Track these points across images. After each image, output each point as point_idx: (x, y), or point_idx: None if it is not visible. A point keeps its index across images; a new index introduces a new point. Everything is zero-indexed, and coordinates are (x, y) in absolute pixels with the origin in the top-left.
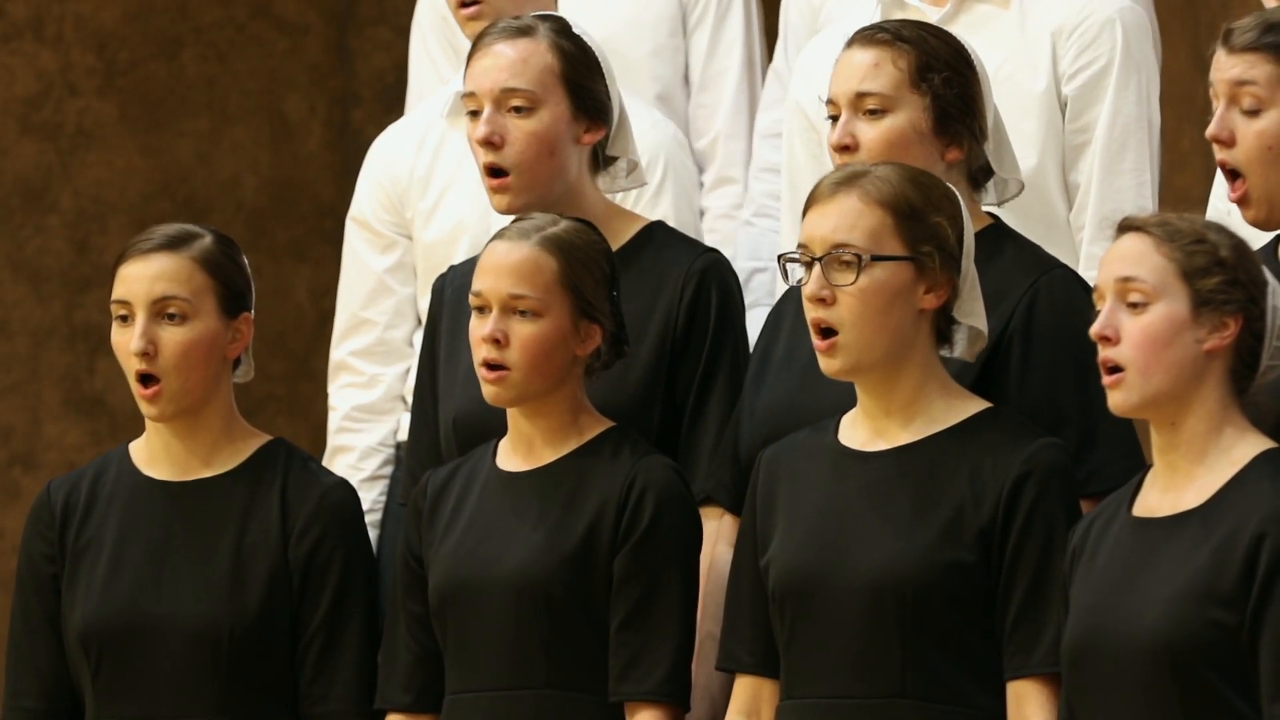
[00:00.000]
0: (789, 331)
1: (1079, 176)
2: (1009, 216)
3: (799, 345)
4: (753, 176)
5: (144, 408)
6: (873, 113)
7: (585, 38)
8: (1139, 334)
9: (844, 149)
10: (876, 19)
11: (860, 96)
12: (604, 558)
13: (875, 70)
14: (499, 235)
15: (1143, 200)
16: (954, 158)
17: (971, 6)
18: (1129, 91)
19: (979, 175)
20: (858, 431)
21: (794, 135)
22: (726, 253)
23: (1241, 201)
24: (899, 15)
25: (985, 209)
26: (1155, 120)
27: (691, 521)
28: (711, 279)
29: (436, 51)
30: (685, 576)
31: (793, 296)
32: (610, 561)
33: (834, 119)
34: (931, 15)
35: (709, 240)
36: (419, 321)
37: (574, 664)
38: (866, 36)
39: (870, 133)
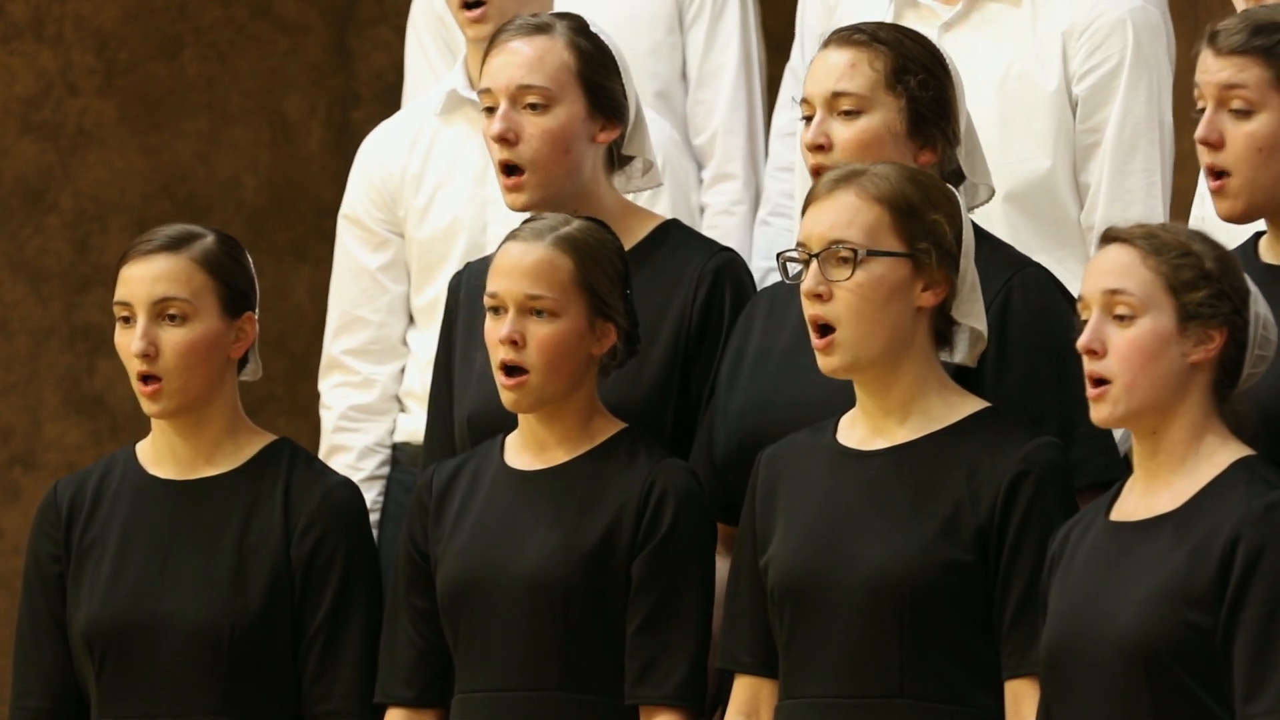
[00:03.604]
0: (761, 330)
1: (1089, 177)
2: (1021, 216)
3: (772, 344)
4: (769, 175)
5: (145, 405)
6: (848, 113)
7: (603, 36)
8: (1126, 347)
9: (818, 149)
10: (889, 18)
11: (835, 96)
12: (622, 560)
13: (851, 70)
14: (512, 236)
15: (1152, 201)
16: (926, 160)
17: (984, 5)
18: (1139, 92)
19: (950, 179)
20: (856, 431)
21: None
22: None
23: (1219, 192)
24: (911, 13)
25: None
26: (1167, 121)
27: (708, 525)
28: (725, 278)
29: (432, 50)
30: (703, 580)
31: (765, 296)
32: (628, 564)
33: (808, 119)
34: (943, 14)
35: (759, 242)
36: (411, 320)
37: (586, 666)
38: (843, 37)
39: (845, 133)
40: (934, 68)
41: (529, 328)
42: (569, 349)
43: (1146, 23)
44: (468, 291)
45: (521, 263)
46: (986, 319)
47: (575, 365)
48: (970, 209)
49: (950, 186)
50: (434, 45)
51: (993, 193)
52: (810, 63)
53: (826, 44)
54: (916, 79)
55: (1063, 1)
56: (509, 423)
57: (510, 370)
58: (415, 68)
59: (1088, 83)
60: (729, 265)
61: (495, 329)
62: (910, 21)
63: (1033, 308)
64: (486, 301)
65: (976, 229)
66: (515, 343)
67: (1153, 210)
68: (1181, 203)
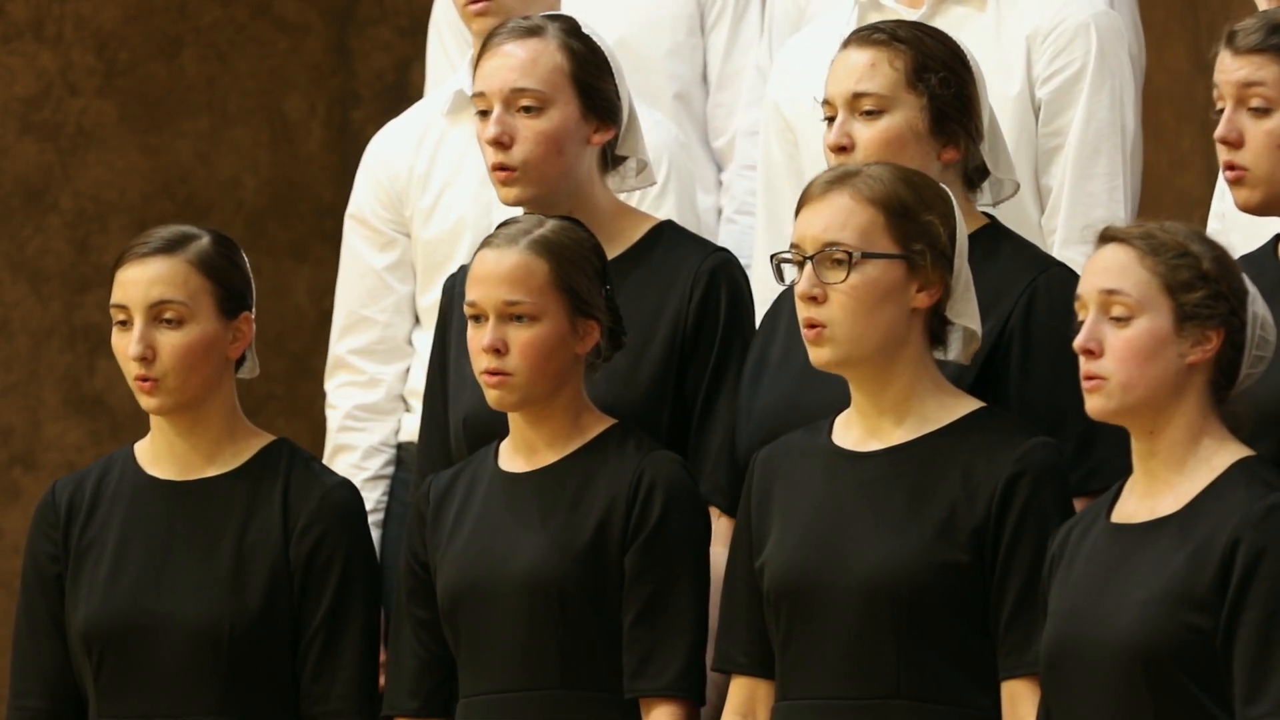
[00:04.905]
0: (785, 332)
1: (1051, 181)
2: None
3: (795, 346)
4: (735, 174)
5: (142, 401)
6: (869, 113)
7: (595, 38)
8: (1123, 348)
9: (840, 149)
10: (852, 21)
11: (857, 97)
12: (615, 555)
13: (872, 70)
14: (486, 243)
15: (1114, 206)
16: (950, 158)
17: (948, 8)
18: (1102, 97)
19: (975, 175)
20: (851, 431)
21: (770, 135)
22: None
23: (1237, 182)
24: (875, 16)
25: (981, 209)
26: (1129, 125)
27: (700, 516)
28: (721, 278)
29: (453, 49)
30: (696, 571)
31: (789, 297)
32: (621, 558)
33: (830, 120)
34: (908, 17)
35: (725, 239)
36: (417, 320)
37: (587, 662)
38: (863, 37)
39: (867, 133)
40: (955, 65)
41: (509, 333)
42: (551, 350)
43: (1110, 27)
44: (462, 293)
45: (497, 269)
46: (1010, 318)
47: (559, 366)
48: (995, 203)
49: (944, 186)
50: (455, 44)
51: (1018, 187)
52: (831, 64)
53: (846, 44)
54: (937, 76)
55: (1027, 5)
56: (504, 424)
57: (494, 374)
58: (436, 66)
59: (1051, 86)
60: (724, 265)
61: (477, 337)
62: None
63: (1057, 308)
64: (466, 310)
65: (1001, 229)
66: (498, 350)
67: (1114, 214)
68: (1182, 202)
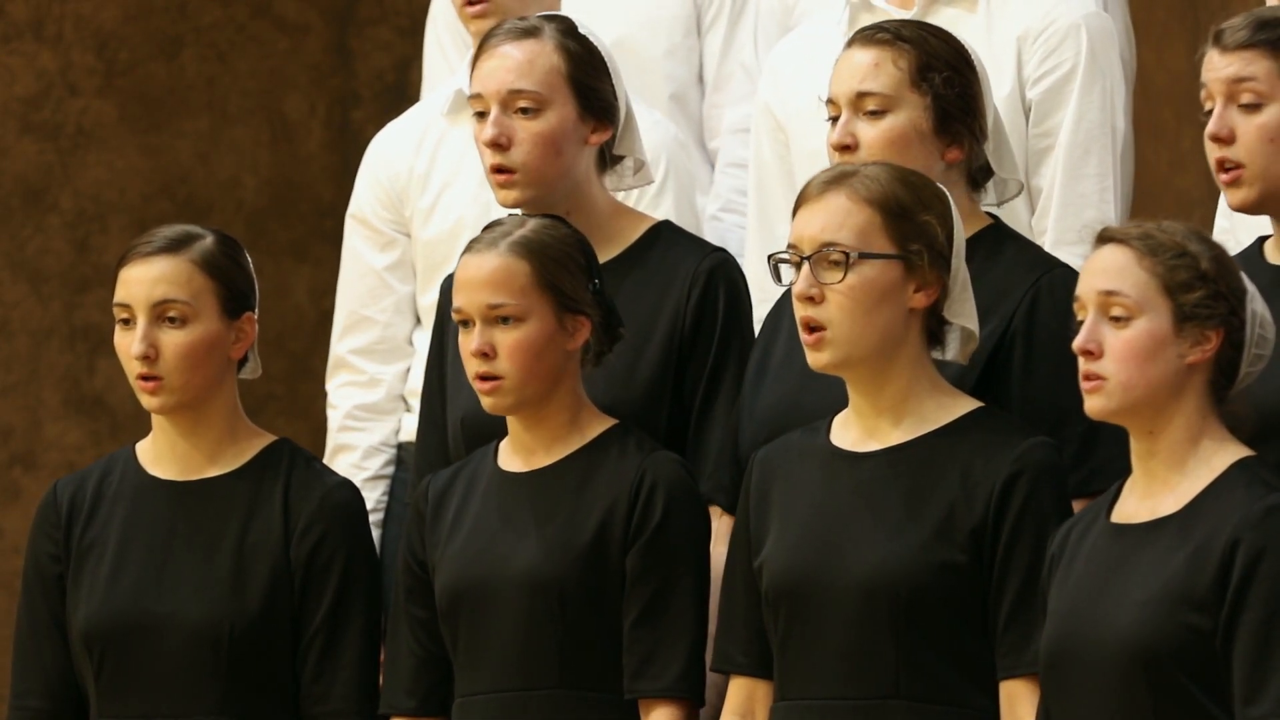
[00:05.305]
0: (788, 332)
1: (1041, 181)
2: None
3: (798, 347)
4: (720, 171)
5: (144, 400)
6: (873, 113)
7: (591, 38)
8: (1122, 349)
9: (844, 149)
10: (844, 21)
11: (861, 96)
12: (616, 555)
13: (876, 70)
14: (469, 248)
15: (1105, 207)
16: (954, 158)
17: (939, 10)
18: (1093, 97)
19: (979, 175)
20: (849, 432)
21: (761, 135)
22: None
23: (1232, 183)
24: (867, 17)
25: (985, 209)
26: (1120, 126)
27: (701, 517)
28: (719, 278)
29: (450, 48)
30: (697, 572)
31: (791, 298)
32: (622, 558)
33: (834, 119)
34: (898, 17)
35: (709, 236)
36: (418, 320)
37: (586, 663)
38: (867, 36)
39: (870, 133)
40: (959, 64)
41: (496, 336)
42: (539, 350)
43: (1101, 29)
44: None
45: (479, 274)
46: (1014, 319)
47: (550, 364)
48: (999, 203)
49: (941, 186)
50: (452, 43)
51: (1022, 187)
52: (835, 63)
53: (850, 44)
54: (941, 76)
55: (1017, 6)
56: (502, 424)
57: (485, 378)
58: (434, 67)
59: (1041, 87)
60: (722, 265)
61: (466, 343)
62: (864, 24)
63: (1060, 309)
64: (453, 316)
65: (1005, 229)
66: (486, 354)
67: (1105, 215)
68: (1182, 203)
